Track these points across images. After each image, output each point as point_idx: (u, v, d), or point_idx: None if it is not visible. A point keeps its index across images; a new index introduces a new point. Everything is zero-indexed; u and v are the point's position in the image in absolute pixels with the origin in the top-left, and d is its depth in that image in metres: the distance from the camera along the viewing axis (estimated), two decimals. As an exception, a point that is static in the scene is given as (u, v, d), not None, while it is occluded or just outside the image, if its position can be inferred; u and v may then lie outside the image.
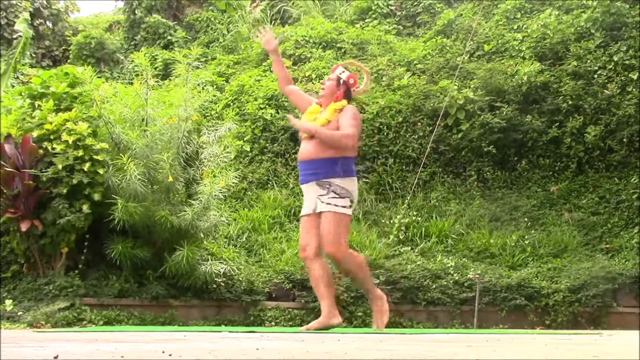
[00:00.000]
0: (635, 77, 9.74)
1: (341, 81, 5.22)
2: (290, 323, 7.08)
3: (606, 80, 9.93)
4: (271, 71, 11.61)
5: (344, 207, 5.02)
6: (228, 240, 8.29)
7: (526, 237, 8.71)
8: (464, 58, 10.86)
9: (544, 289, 7.62)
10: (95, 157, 6.57)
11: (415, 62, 11.40)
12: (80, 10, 19.75)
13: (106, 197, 6.54)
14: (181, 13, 15.19)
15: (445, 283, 7.66)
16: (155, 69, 11.95)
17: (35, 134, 6.61)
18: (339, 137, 5.04)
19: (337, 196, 5.02)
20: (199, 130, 7.40)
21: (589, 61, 10.18)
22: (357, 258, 5.22)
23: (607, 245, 8.59)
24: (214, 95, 10.97)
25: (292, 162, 9.82)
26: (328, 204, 5.03)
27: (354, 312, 7.27)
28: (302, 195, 5.42)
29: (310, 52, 11.97)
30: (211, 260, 7.13)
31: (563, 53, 10.54)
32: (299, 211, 9.30)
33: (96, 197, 6.52)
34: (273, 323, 7.05)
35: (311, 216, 5.14)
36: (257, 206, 9.13)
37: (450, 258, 8.17)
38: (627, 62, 9.94)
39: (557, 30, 10.77)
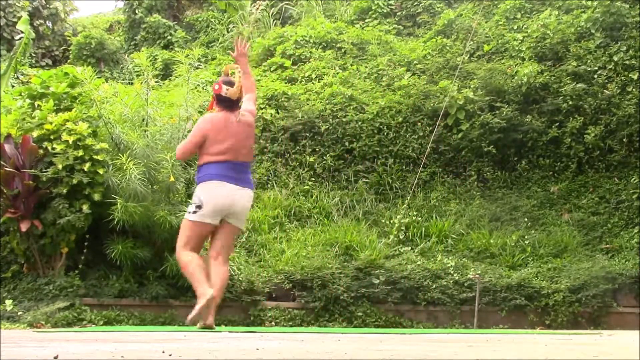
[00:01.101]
0: (635, 77, 9.73)
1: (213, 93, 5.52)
2: (290, 323, 7.08)
3: (606, 80, 9.92)
4: (271, 71, 11.63)
5: (188, 212, 5.39)
6: (228, 240, 8.28)
7: (526, 237, 8.71)
8: (464, 58, 10.85)
9: (544, 289, 7.62)
10: (95, 157, 6.57)
11: (415, 62, 11.40)
12: (79, 10, 19.75)
13: (106, 197, 6.53)
14: (181, 13, 15.19)
15: (445, 283, 7.66)
16: (155, 69, 11.95)
17: (35, 134, 6.61)
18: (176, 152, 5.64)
19: (190, 203, 5.48)
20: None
21: (589, 61, 10.17)
22: (189, 265, 5.31)
23: (607, 245, 8.59)
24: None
25: (292, 162, 9.82)
26: None
27: (354, 312, 7.26)
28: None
29: (310, 52, 11.97)
30: (211, 260, 7.12)
31: (563, 53, 10.53)
32: (299, 211, 9.36)
33: (96, 197, 6.51)
34: (273, 323, 7.04)
35: None
36: (257, 206, 9.12)
37: (450, 258, 8.17)
38: (627, 62, 9.93)
39: (557, 30, 10.76)
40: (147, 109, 7.02)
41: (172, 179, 6.60)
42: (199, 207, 5.25)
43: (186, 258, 5.32)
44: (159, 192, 6.83)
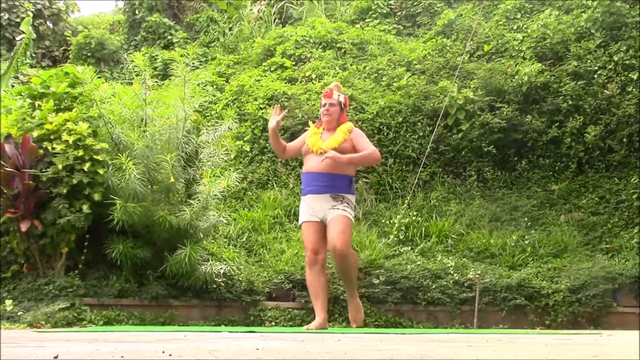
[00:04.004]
0: (635, 77, 9.73)
1: (342, 105, 5.96)
2: (290, 323, 7.08)
3: (606, 80, 9.92)
4: (271, 71, 11.62)
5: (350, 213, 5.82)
6: (228, 240, 8.29)
7: (526, 237, 8.71)
8: (464, 58, 10.85)
9: (544, 289, 7.62)
10: (95, 157, 6.57)
11: (415, 62, 11.40)
12: (81, 10, 19.72)
13: (106, 197, 6.53)
14: (182, 13, 15.17)
15: (445, 283, 7.66)
16: (155, 69, 11.94)
17: (35, 134, 6.61)
18: (375, 156, 5.84)
19: (349, 207, 5.79)
20: (199, 130, 7.40)
21: (589, 61, 10.18)
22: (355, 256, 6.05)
23: (607, 245, 8.59)
24: (214, 95, 10.96)
25: (292, 162, 9.81)
26: (344, 209, 5.74)
27: (354, 312, 7.25)
28: (302, 196, 5.79)
29: (310, 52, 11.96)
30: (211, 260, 7.13)
31: (563, 53, 10.53)
32: (299, 211, 9.32)
33: (96, 197, 6.51)
34: (273, 323, 7.05)
35: (319, 223, 5.80)
36: (257, 206, 9.13)
37: (450, 258, 8.17)
38: (627, 62, 9.93)
39: (557, 30, 10.76)
40: (146, 109, 7.01)
41: (172, 179, 6.60)
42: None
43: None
44: (158, 192, 6.83)
